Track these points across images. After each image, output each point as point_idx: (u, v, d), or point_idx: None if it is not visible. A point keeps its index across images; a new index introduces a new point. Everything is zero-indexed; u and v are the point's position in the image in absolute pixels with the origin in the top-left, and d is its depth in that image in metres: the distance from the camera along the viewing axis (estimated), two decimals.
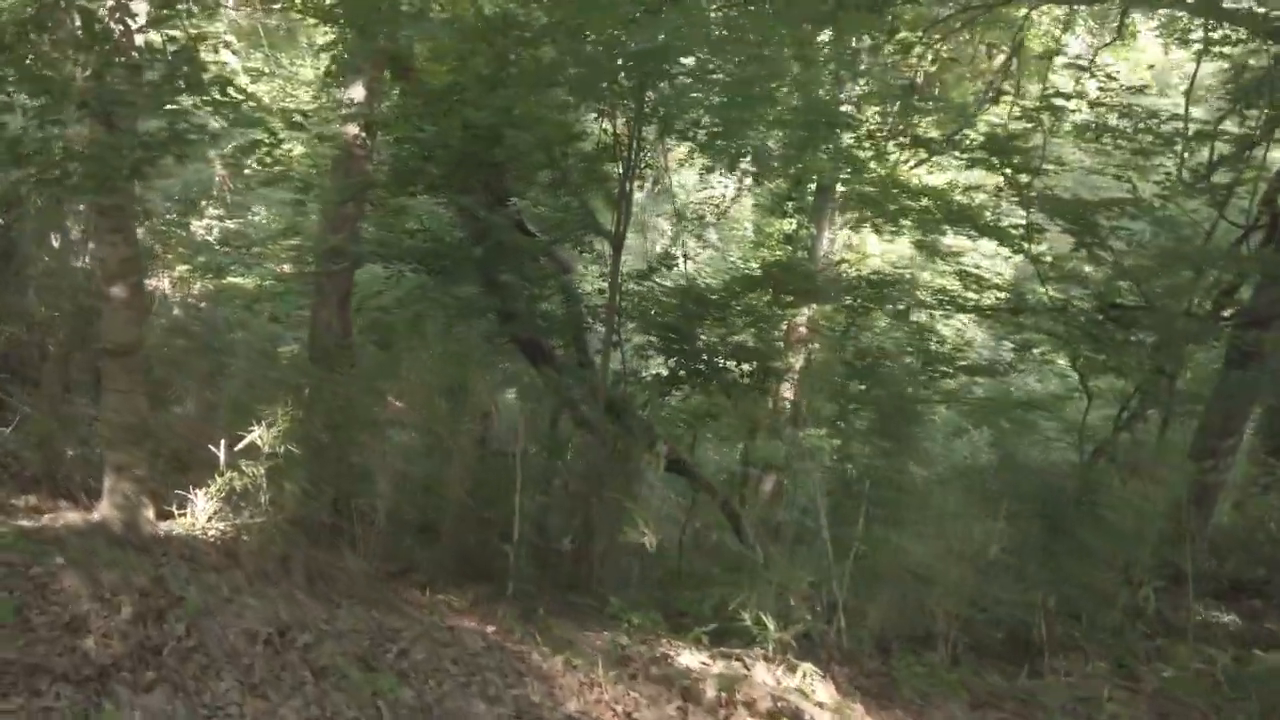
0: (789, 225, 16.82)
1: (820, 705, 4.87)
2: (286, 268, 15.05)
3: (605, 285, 10.51)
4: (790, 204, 16.68)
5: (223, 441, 5.74)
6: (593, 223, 9.50)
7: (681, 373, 9.69)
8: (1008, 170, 8.95)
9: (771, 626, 5.19)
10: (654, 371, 10.36)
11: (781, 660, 5.20)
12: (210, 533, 6.09)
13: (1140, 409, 10.22)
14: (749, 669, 5.16)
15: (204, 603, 4.78)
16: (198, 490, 6.23)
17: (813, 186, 16.53)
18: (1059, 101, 9.22)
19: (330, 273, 9.98)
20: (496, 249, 10.04)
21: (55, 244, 10.07)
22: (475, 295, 10.70)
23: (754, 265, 16.34)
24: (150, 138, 4.83)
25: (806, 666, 5.12)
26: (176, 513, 6.31)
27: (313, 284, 10.41)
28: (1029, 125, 9.46)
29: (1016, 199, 8.95)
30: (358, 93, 9.58)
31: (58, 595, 4.61)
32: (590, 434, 9.56)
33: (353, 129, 9.54)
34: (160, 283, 12.77)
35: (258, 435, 5.54)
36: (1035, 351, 9.35)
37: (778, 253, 16.49)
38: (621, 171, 8.89)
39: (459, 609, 5.88)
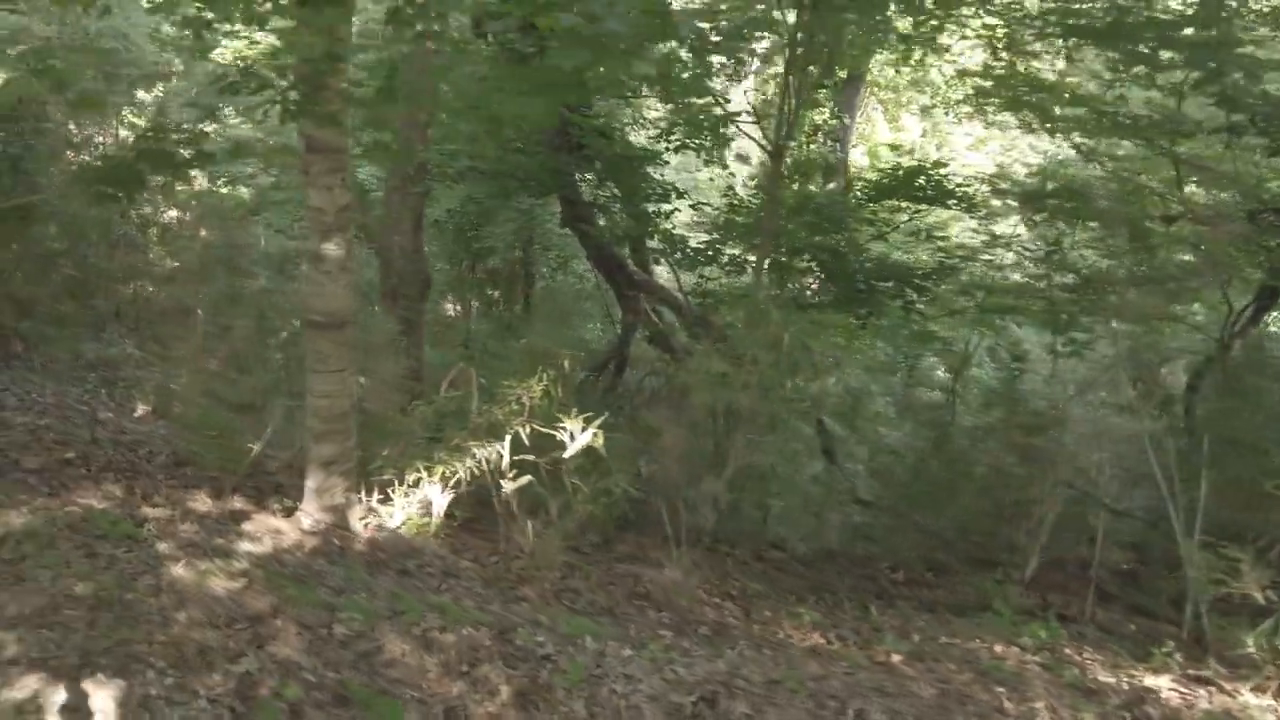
0: (819, 116, 15.80)
1: None
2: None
3: (727, 201, 9.41)
4: (822, 93, 15.62)
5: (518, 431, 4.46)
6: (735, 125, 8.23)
7: (826, 296, 8.65)
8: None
9: None
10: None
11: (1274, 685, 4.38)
12: (426, 536, 4.93)
13: (1256, 314, 9.72)
14: (1234, 695, 4.34)
15: (577, 661, 3.68)
16: (400, 484, 5.03)
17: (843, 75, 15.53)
18: None
19: (409, 193, 8.59)
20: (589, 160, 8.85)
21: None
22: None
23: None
24: None
25: None
26: (371, 506, 5.13)
27: (386, 205, 8.99)
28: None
29: (1213, 99, 8.00)
30: None
31: (392, 670, 3.45)
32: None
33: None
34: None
35: (588, 433, 4.24)
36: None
37: (811, 146, 15.48)
38: (788, 61, 7.62)
39: (803, 622, 4.84)
